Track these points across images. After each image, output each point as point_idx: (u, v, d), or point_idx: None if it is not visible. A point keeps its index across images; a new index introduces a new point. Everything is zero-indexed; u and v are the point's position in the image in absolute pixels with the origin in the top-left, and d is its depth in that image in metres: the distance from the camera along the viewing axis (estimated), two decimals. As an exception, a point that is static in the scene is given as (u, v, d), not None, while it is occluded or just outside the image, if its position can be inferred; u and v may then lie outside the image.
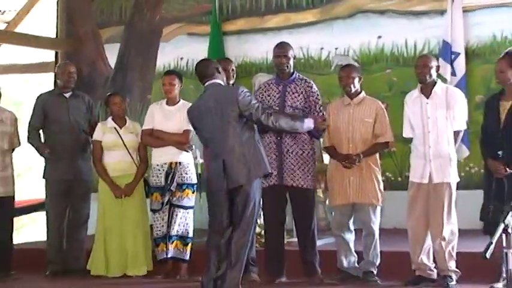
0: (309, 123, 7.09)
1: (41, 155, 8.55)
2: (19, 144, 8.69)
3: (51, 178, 8.54)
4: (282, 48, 7.61)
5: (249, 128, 6.84)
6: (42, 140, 8.58)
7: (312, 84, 7.63)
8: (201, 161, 8.39)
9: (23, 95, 17.29)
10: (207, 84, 6.99)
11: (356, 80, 7.42)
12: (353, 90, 7.42)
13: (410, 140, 7.39)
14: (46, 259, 8.55)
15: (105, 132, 8.30)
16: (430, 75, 7.16)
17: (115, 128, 8.29)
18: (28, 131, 8.60)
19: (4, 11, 12.92)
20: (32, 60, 12.77)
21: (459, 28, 9.51)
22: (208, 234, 7.02)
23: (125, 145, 8.23)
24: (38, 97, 8.80)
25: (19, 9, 12.45)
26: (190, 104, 7.97)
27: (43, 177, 8.60)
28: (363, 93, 7.50)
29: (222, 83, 7.04)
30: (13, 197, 8.61)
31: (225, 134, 6.76)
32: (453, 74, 9.29)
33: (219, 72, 7.04)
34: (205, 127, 6.92)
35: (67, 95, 8.62)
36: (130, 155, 8.26)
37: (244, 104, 6.76)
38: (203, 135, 7.01)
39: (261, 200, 7.36)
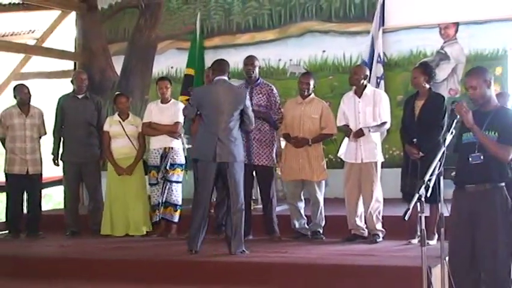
0: None
1: (52, 154, 8.59)
2: (45, 133, 8.67)
3: (66, 160, 8.53)
4: (250, 59, 7.66)
5: (238, 123, 6.83)
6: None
7: (272, 88, 7.67)
8: (187, 146, 8.39)
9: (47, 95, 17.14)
10: (218, 78, 6.90)
11: (311, 86, 7.45)
12: (306, 93, 7.45)
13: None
14: (65, 223, 8.54)
15: (111, 124, 8.29)
16: (362, 81, 7.22)
17: (119, 121, 8.27)
18: (54, 126, 8.61)
19: (34, 30, 12.87)
20: (55, 69, 12.63)
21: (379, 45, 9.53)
22: (195, 201, 6.95)
23: (126, 134, 8.21)
24: (58, 99, 8.75)
25: (45, 28, 12.36)
26: (179, 102, 8.23)
27: (60, 159, 8.56)
28: (312, 95, 7.52)
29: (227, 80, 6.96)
30: (41, 174, 8.60)
31: (225, 119, 6.71)
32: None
33: (228, 73, 6.98)
34: (207, 106, 6.78)
35: (80, 96, 8.56)
36: (131, 142, 8.23)
37: (247, 105, 6.82)
38: (203, 111, 6.83)
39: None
